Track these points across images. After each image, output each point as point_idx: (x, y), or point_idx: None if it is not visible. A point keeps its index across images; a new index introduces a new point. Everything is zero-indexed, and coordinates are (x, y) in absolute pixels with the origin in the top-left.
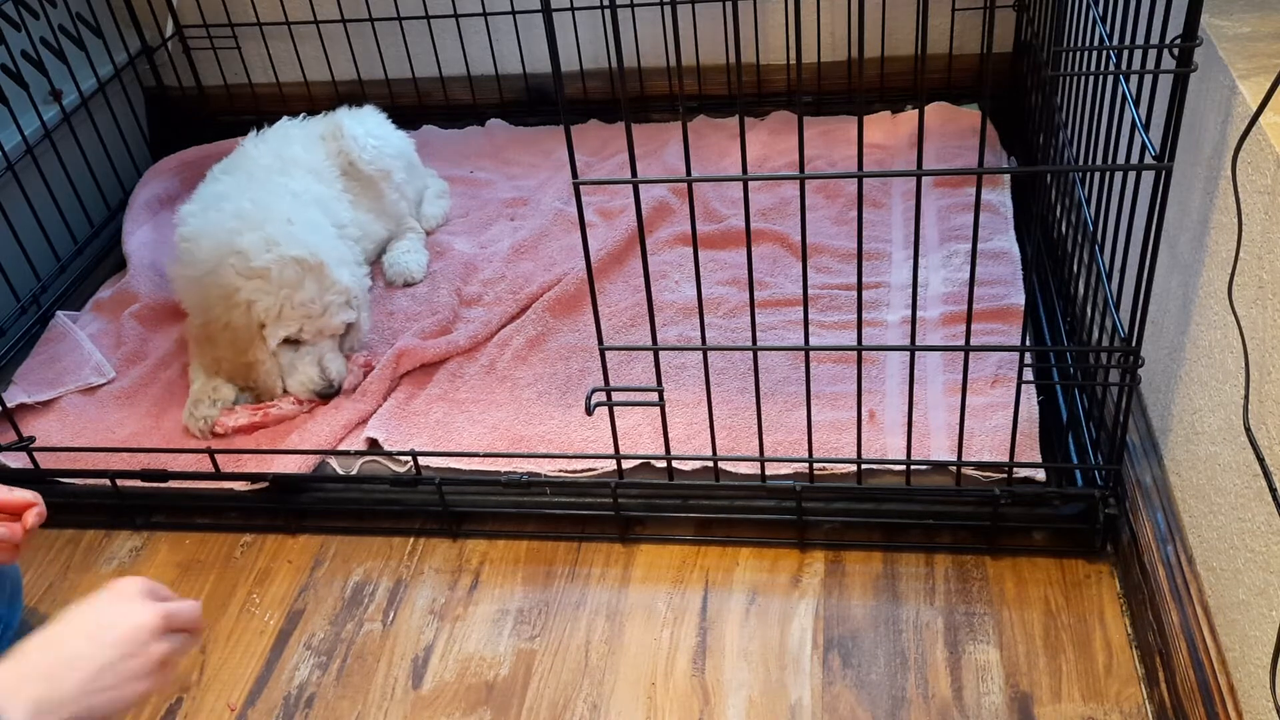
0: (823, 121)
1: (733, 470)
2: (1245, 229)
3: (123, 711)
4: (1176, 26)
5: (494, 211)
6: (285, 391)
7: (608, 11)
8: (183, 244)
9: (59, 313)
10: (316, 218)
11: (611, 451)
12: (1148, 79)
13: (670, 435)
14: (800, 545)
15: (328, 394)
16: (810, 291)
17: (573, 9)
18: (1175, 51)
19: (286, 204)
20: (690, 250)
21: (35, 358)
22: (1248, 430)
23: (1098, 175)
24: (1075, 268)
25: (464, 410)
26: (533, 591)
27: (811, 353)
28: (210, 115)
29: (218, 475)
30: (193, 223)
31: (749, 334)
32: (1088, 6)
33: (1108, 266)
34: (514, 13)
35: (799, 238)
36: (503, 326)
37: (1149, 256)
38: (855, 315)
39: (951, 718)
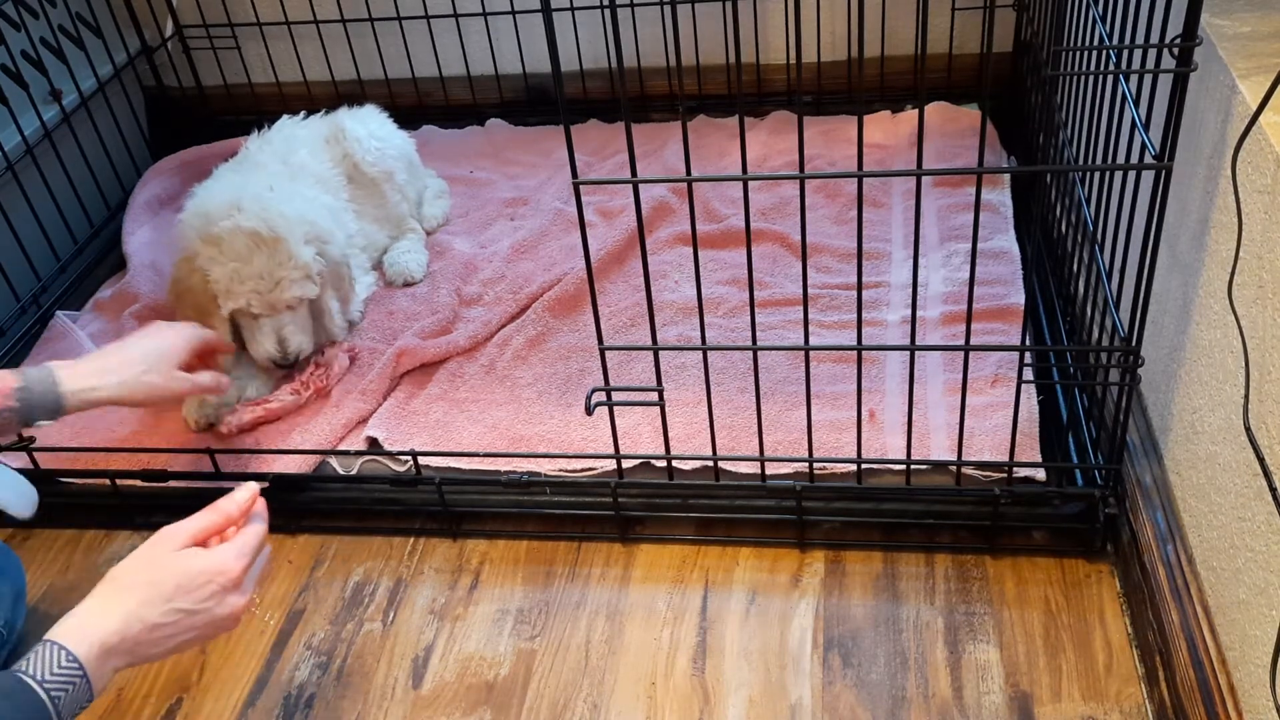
0: (823, 121)
1: (733, 470)
2: (1245, 228)
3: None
4: (1176, 26)
5: (494, 211)
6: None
7: (608, 11)
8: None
9: (59, 313)
10: (310, 194)
11: (611, 451)
12: (1147, 78)
13: (670, 435)
14: (800, 545)
15: (285, 366)
16: (810, 291)
17: (573, 9)
18: (1175, 51)
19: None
20: (690, 250)
21: (35, 357)
22: (1248, 430)
23: (1097, 175)
24: (1075, 267)
25: (464, 410)
26: (533, 591)
27: (811, 352)
28: (210, 115)
29: (218, 475)
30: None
31: (749, 334)
32: (1087, 6)
33: (1107, 266)
34: (514, 13)
35: (799, 237)
36: (503, 326)
37: (1149, 256)
38: (855, 315)
39: (952, 717)
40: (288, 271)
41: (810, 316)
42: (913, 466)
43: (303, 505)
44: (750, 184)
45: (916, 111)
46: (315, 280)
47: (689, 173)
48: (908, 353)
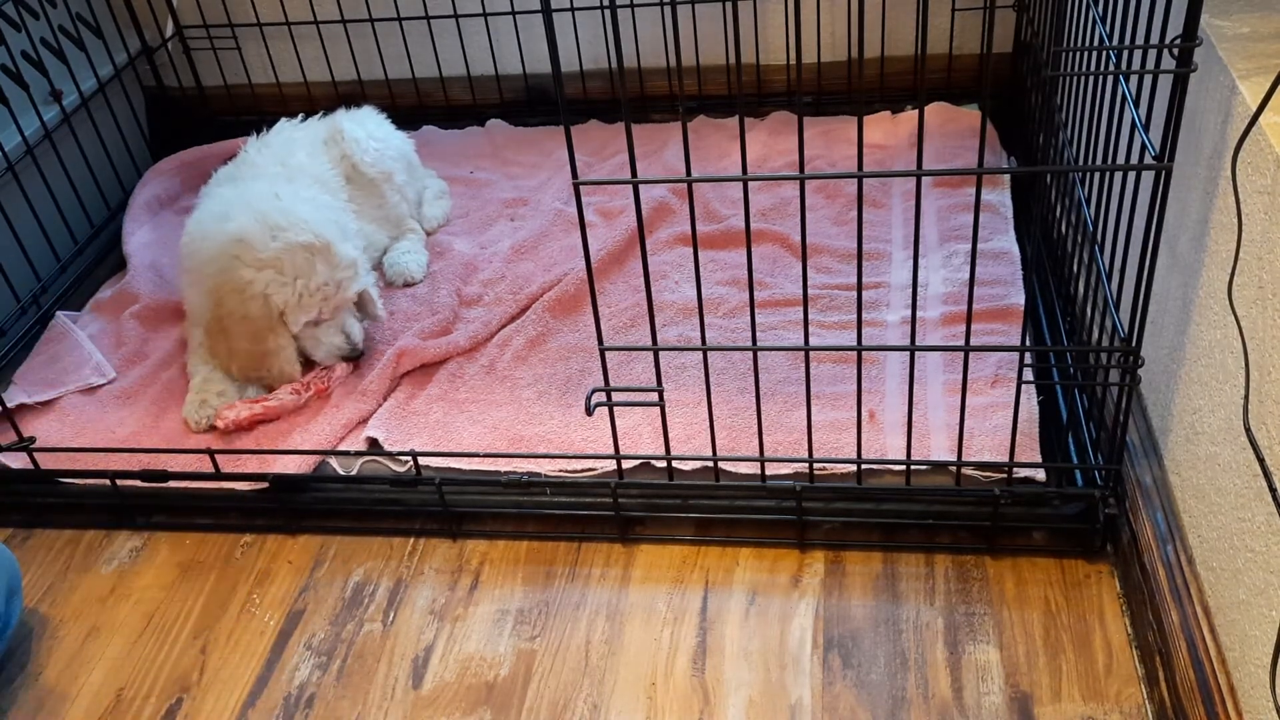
0: (823, 121)
1: (733, 470)
2: (1245, 229)
3: None
4: (1176, 27)
5: (494, 212)
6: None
7: (608, 11)
8: (185, 246)
9: (59, 313)
10: (307, 195)
11: (611, 451)
12: (1147, 79)
13: (670, 435)
14: (800, 545)
15: (354, 357)
16: (810, 291)
17: (573, 9)
18: (1175, 52)
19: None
20: (690, 250)
21: (35, 358)
22: (1248, 430)
23: (1098, 175)
24: (1075, 268)
25: (464, 410)
26: (533, 592)
27: (811, 353)
28: (210, 115)
29: (218, 475)
30: (193, 226)
31: (749, 334)
32: (1087, 6)
33: (1108, 266)
34: (514, 13)
35: (799, 238)
36: (503, 327)
37: (1149, 256)
38: (855, 315)
39: (951, 718)
40: (345, 271)
41: (810, 317)
42: (912, 467)
43: (303, 505)
44: (750, 184)
45: (916, 112)
46: (362, 271)
47: (689, 173)
48: (908, 353)
